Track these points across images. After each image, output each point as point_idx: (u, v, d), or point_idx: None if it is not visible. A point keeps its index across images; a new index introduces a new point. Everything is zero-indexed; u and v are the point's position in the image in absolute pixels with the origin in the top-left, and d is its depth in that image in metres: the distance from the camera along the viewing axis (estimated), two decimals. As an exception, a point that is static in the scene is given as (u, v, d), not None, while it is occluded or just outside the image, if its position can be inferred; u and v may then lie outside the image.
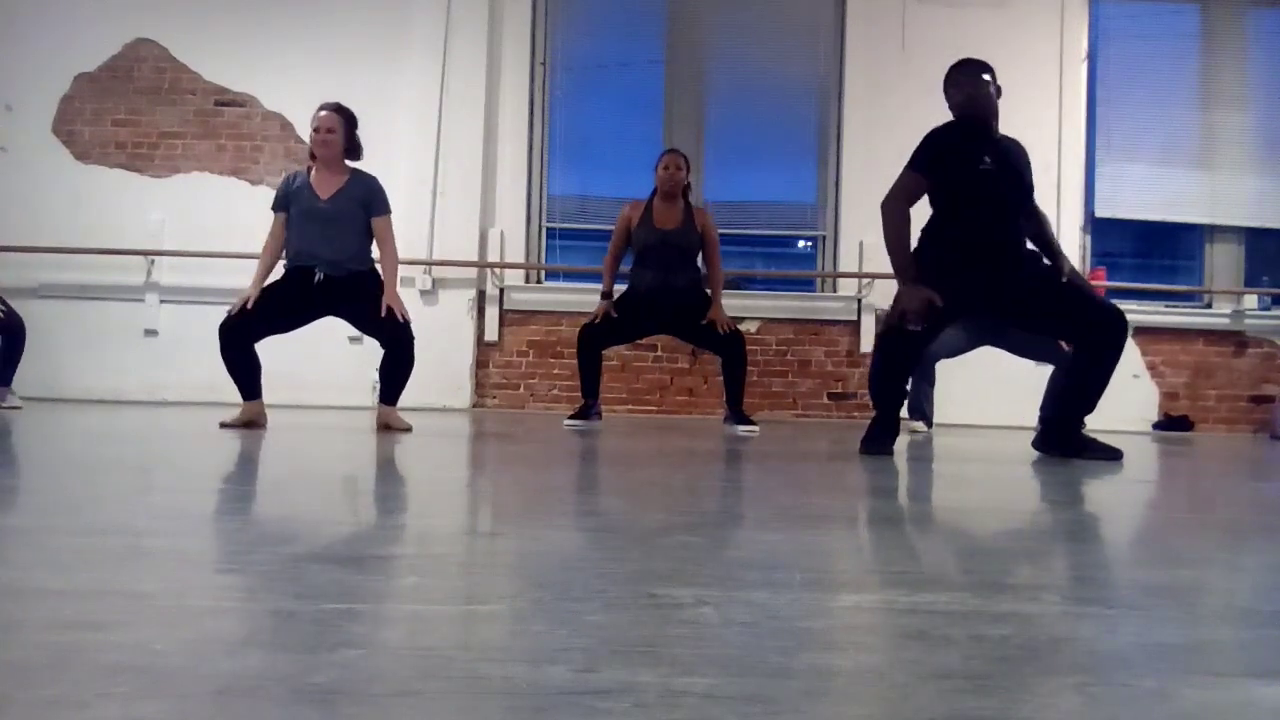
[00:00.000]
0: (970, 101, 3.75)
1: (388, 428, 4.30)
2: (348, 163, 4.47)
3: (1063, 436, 3.78)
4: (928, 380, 5.63)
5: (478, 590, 1.26)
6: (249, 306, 4.28)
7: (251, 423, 4.29)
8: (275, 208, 4.48)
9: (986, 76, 3.76)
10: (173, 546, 1.49)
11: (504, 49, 7.00)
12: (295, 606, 1.09)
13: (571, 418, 5.10)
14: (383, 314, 4.33)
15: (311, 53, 6.89)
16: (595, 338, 5.20)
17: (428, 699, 0.79)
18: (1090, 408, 3.76)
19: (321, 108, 4.46)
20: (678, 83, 7.19)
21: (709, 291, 5.20)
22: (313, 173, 4.44)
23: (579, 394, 5.25)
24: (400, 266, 4.69)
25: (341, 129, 4.41)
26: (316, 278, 4.36)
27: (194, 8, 6.91)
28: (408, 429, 4.26)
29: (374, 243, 4.49)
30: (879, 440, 3.80)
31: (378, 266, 4.47)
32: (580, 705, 0.77)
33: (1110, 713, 0.81)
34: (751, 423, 5.02)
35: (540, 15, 7.12)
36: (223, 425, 4.20)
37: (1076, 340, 3.81)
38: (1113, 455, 3.65)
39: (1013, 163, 3.79)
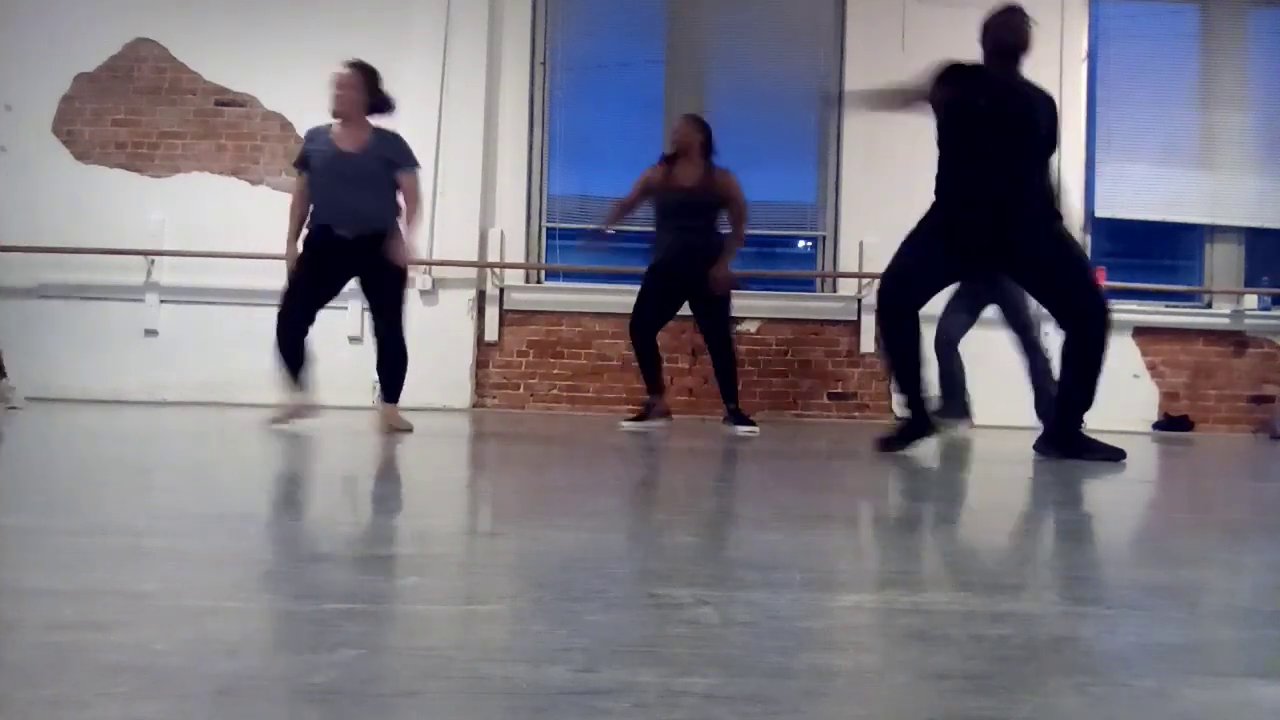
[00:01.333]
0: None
1: (392, 429, 4.25)
2: (371, 120, 4.36)
3: (1064, 438, 3.74)
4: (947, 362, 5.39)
5: (478, 590, 1.26)
6: (295, 268, 4.27)
7: (299, 413, 4.25)
8: (298, 165, 4.42)
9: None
10: (173, 546, 1.49)
11: (504, 49, 7.00)
12: (295, 606, 1.09)
13: (632, 419, 5.08)
14: (389, 257, 4.26)
15: (311, 53, 6.88)
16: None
17: (428, 699, 0.79)
18: (1088, 402, 3.72)
19: (343, 64, 4.38)
20: (678, 83, 7.19)
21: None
22: (334, 129, 4.34)
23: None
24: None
25: (360, 84, 4.31)
26: (339, 233, 4.26)
27: (194, 8, 6.91)
28: (409, 429, 4.25)
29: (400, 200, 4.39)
30: (900, 438, 3.75)
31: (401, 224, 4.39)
32: (580, 705, 0.77)
33: (1110, 713, 0.81)
34: (751, 423, 5.01)
35: (540, 15, 7.12)
36: (274, 422, 4.19)
37: (1061, 325, 3.74)
38: (1115, 456, 3.62)
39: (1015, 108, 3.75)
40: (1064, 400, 3.79)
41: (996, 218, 3.68)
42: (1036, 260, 3.72)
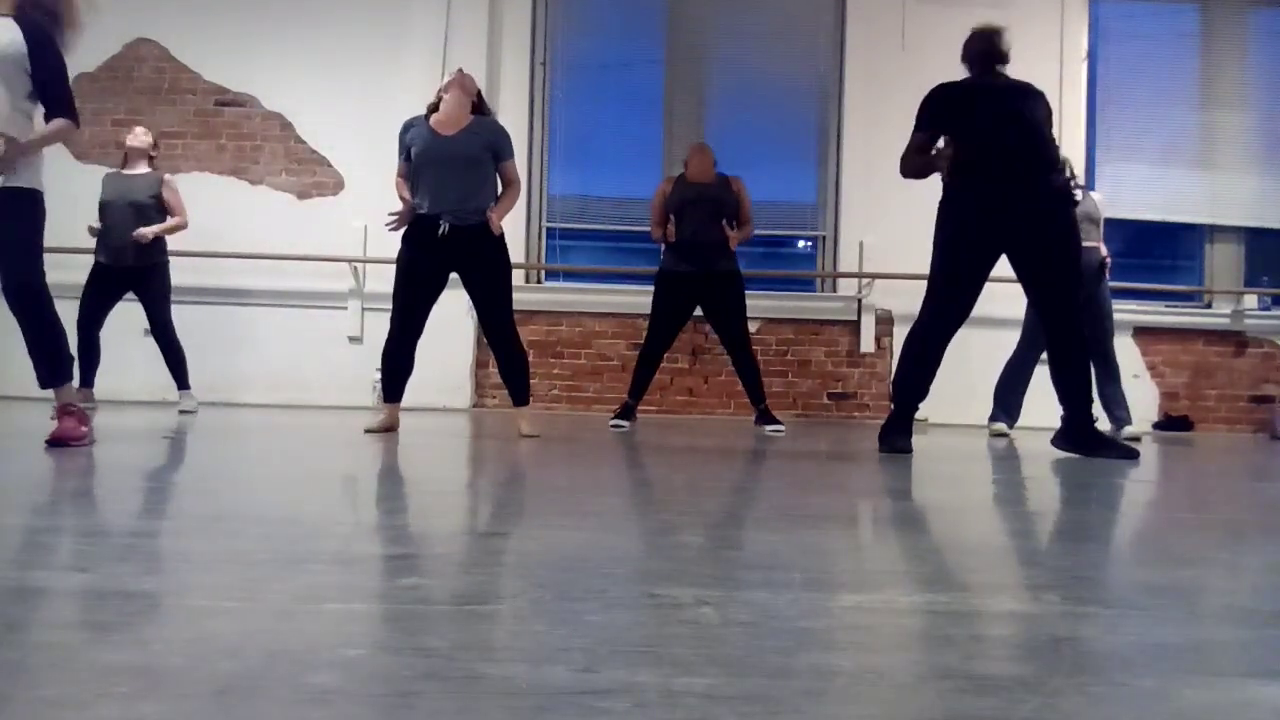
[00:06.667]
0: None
1: (524, 435, 4.17)
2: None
3: (1076, 434, 3.89)
4: (1023, 381, 5.43)
5: (478, 590, 1.26)
6: (407, 207, 4.11)
7: (390, 428, 4.16)
8: (400, 156, 4.25)
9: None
10: (173, 546, 1.49)
11: (504, 49, 7.00)
12: (295, 606, 1.09)
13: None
14: (494, 230, 4.09)
15: (311, 53, 6.90)
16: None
17: (428, 699, 0.79)
18: (1084, 401, 3.86)
19: (458, 71, 4.34)
20: (678, 83, 7.19)
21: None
22: (431, 119, 4.22)
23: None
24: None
25: (472, 88, 4.26)
26: (441, 229, 4.07)
27: (194, 8, 6.91)
28: (535, 436, 4.16)
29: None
30: (891, 436, 3.83)
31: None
32: (580, 705, 0.77)
33: (1110, 713, 0.81)
34: (777, 422, 5.06)
35: (540, 15, 7.12)
36: (367, 431, 4.10)
37: (1043, 317, 3.90)
38: (1129, 455, 3.79)
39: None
40: (1062, 398, 3.90)
41: (1013, 188, 3.77)
42: (1041, 243, 3.79)
